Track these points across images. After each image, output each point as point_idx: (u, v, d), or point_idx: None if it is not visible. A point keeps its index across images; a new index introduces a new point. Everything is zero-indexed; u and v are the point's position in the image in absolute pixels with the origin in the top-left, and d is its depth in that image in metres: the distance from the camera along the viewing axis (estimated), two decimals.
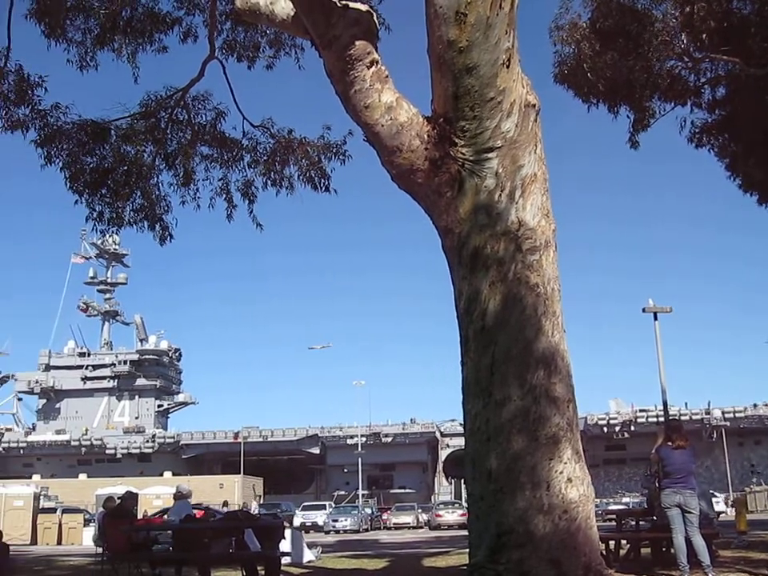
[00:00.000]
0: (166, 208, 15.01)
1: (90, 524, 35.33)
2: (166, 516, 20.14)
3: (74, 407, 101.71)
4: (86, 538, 33.79)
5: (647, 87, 16.23)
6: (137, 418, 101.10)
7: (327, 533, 43.56)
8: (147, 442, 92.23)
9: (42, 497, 46.72)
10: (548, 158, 8.66)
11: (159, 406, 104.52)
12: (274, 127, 15.03)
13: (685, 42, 15.81)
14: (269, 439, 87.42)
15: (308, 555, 18.26)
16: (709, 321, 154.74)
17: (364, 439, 79.60)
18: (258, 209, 15.29)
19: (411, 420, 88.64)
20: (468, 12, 7.86)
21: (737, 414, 78.65)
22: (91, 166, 14.33)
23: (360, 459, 72.95)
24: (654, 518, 12.16)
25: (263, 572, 12.30)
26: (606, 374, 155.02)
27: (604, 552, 10.14)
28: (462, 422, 8.48)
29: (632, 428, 79.61)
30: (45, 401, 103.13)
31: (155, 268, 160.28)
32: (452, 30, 7.93)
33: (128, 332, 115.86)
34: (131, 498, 14.86)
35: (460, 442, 75.62)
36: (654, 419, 71.83)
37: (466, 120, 8.17)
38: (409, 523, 49.23)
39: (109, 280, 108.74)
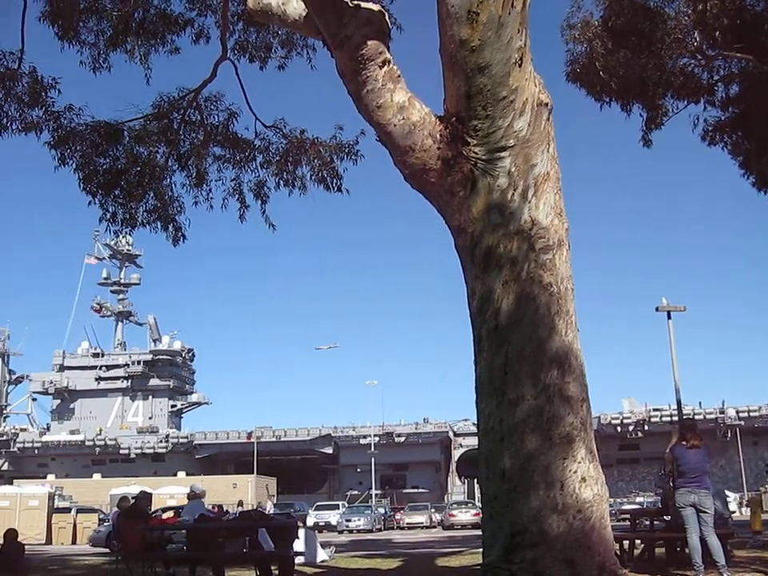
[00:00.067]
0: (178, 209, 15.07)
1: (104, 523, 35.44)
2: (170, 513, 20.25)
3: (88, 407, 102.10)
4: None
5: (660, 85, 16.17)
6: (150, 418, 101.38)
7: (340, 532, 43.58)
8: (161, 442, 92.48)
9: (56, 497, 46.88)
10: (561, 157, 8.65)
11: (173, 406, 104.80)
12: (287, 127, 15.06)
13: (698, 39, 15.74)
14: (282, 439, 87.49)
15: (321, 555, 18.27)
16: (723, 321, 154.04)
17: (377, 439, 79.51)
18: (270, 209, 15.35)
19: (424, 420, 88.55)
20: (480, 11, 7.85)
21: (751, 414, 78.20)
22: (104, 167, 14.39)
23: (373, 459, 72.93)
24: (669, 517, 12.12)
25: (277, 571, 12.32)
26: (620, 374, 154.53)
27: (618, 552, 10.10)
28: (475, 422, 8.47)
29: (645, 427, 79.29)
30: (59, 401, 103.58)
31: (167, 268, 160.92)
32: (464, 29, 7.92)
33: (141, 332, 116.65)
34: (145, 498, 14.92)
35: (473, 441, 75.82)
36: (668, 418, 71.55)
37: (478, 119, 8.16)
38: (422, 523, 49.16)
39: (122, 281, 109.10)
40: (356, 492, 78.38)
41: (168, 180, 15.02)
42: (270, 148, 15.21)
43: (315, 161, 14.80)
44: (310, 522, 45.39)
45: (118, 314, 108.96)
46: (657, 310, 32.78)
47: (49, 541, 38.76)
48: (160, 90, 14.48)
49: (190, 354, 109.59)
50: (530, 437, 7.65)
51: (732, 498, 41.78)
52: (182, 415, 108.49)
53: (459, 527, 42.94)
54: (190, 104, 14.68)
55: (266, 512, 32.76)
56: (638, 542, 12.75)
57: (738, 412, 78.25)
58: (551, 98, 8.54)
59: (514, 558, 7.52)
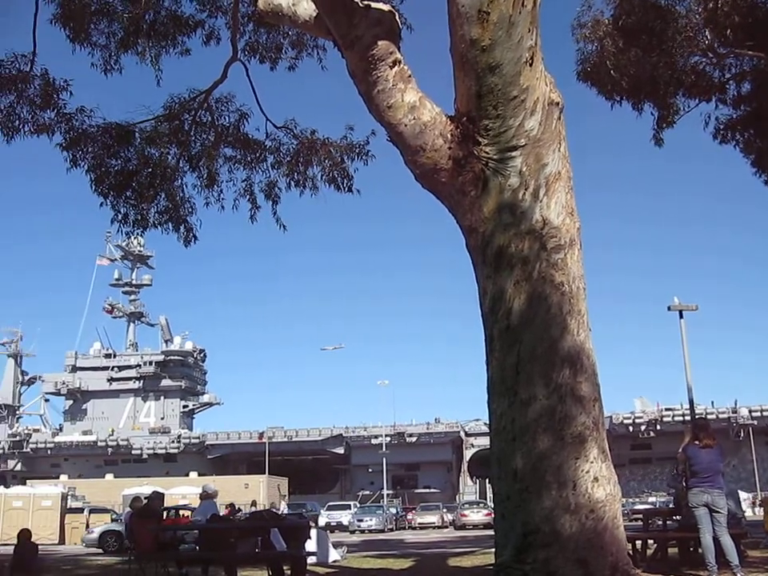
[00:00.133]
0: (190, 209, 15.09)
1: (116, 523, 35.59)
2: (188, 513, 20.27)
3: (101, 408, 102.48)
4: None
5: (671, 84, 16.13)
6: (162, 418, 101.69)
7: (352, 532, 43.61)
8: (173, 442, 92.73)
9: (69, 497, 47.07)
10: (572, 157, 8.63)
11: (184, 407, 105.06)
12: (297, 128, 15.07)
13: (709, 37, 15.70)
14: (293, 439, 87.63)
15: (333, 555, 18.30)
16: (735, 321, 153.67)
17: (388, 439, 79.50)
18: (281, 209, 15.37)
19: (435, 420, 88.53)
20: (491, 10, 7.84)
21: (764, 413, 77.75)
22: (116, 168, 14.43)
23: (384, 459, 72.90)
24: (681, 517, 12.08)
25: (289, 572, 12.33)
26: (632, 373, 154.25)
27: (631, 552, 10.08)
28: (487, 422, 8.46)
29: (658, 427, 79.02)
30: (71, 402, 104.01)
31: (179, 269, 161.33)
32: (475, 29, 7.91)
33: (153, 333, 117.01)
34: (158, 498, 14.95)
35: (484, 441, 75.69)
36: (680, 418, 71.37)
37: (489, 119, 8.15)
38: (434, 523, 49.14)
39: (134, 282, 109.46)
40: (367, 492, 78.49)
41: (179, 181, 15.06)
42: (280, 149, 15.23)
43: (326, 161, 14.80)
44: (321, 522, 45.43)
45: (130, 314, 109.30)
46: (669, 309, 32.72)
47: (62, 541, 38.96)
48: (171, 91, 14.53)
49: (202, 355, 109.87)
50: (542, 437, 7.64)
51: (745, 498, 41.60)
52: (194, 416, 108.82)
53: (471, 527, 42.91)
54: (200, 105, 14.71)
55: (280, 512, 32.83)
56: (650, 541, 12.71)
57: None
58: (562, 97, 8.52)
59: (527, 558, 7.51)
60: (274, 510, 27.12)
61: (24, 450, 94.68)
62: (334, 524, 46.48)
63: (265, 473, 69.67)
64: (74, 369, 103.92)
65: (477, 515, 44.88)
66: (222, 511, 18.82)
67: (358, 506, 54.49)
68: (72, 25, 13.38)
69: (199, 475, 71.72)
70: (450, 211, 8.92)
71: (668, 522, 13.41)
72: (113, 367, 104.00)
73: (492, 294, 8.23)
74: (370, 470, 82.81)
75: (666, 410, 79.43)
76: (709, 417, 63.38)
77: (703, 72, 16.51)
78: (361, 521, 45.58)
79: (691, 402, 32.78)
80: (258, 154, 15.25)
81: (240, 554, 12.58)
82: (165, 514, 18.16)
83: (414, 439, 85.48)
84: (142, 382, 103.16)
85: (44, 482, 62.58)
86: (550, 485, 7.54)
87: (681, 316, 32.37)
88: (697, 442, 10.36)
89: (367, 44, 8.39)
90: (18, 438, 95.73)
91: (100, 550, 29.16)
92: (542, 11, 8.26)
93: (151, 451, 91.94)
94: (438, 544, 27.40)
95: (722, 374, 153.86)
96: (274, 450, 79.36)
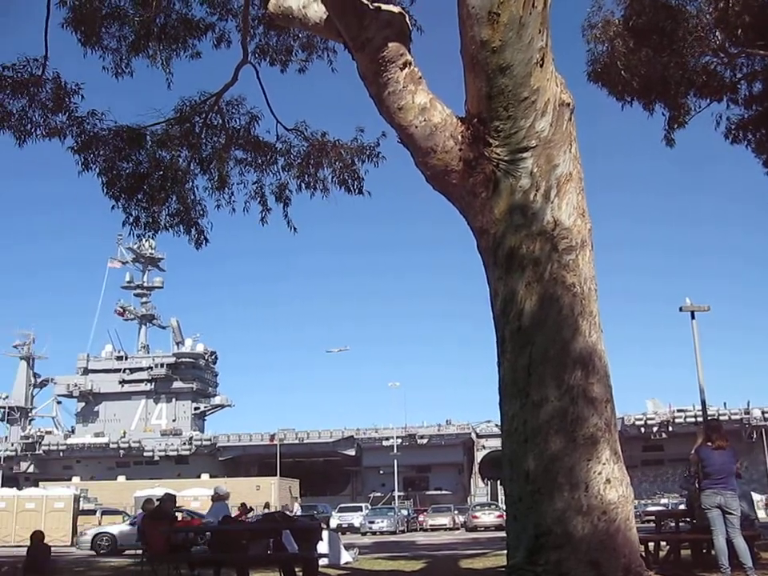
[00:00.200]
0: (201, 212, 15.11)
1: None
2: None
3: (112, 410, 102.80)
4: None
5: (682, 84, 16.08)
6: (174, 420, 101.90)
7: (364, 534, 43.60)
8: (184, 444, 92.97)
9: (81, 499, 47.29)
10: (583, 157, 8.61)
11: (196, 409, 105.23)
12: (308, 130, 15.08)
13: (720, 37, 15.65)
14: (304, 441, 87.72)
15: (345, 556, 18.32)
16: (747, 322, 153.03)
17: (399, 441, 79.51)
18: (291, 211, 15.38)
19: (447, 421, 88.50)
20: (501, 12, 7.83)
21: None
22: (127, 171, 14.46)
23: (396, 461, 72.88)
24: (694, 519, 12.04)
25: (301, 573, 12.36)
26: (643, 374, 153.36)
27: (643, 554, 10.05)
28: (498, 423, 8.45)
29: (670, 428, 78.79)
30: (83, 404, 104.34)
31: (190, 271, 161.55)
32: (485, 30, 7.90)
33: (164, 335, 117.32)
34: (170, 500, 14.99)
35: (496, 443, 75.63)
36: (692, 419, 71.10)
37: (500, 120, 8.14)
38: (445, 525, 49.08)
39: (145, 284, 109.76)
40: (379, 494, 78.48)
41: (190, 184, 15.08)
42: (291, 151, 15.25)
43: (336, 163, 14.81)
44: (333, 523, 45.46)
45: (141, 317, 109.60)
46: (680, 309, 32.60)
47: (74, 543, 39.07)
48: (182, 94, 14.56)
49: (213, 357, 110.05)
50: (554, 438, 7.62)
51: (758, 499, 41.42)
52: (205, 417, 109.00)
53: (482, 529, 42.86)
54: (211, 108, 14.74)
55: (293, 513, 32.91)
56: (663, 543, 12.68)
57: (763, 413, 77.51)
58: (573, 97, 8.50)
59: (539, 560, 7.49)
60: (287, 512, 27.17)
61: (36, 451, 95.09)
62: (346, 526, 46.48)
63: (276, 475, 69.78)
64: (86, 371, 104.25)
65: (488, 517, 44.82)
66: (234, 512, 18.85)
67: (370, 507, 54.45)
68: (83, 28, 13.43)
69: (210, 477, 71.99)
70: (460, 213, 8.91)
71: (681, 524, 13.39)
72: (124, 369, 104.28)
73: (503, 295, 8.22)
74: (381, 472, 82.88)
75: (678, 411, 79.13)
76: (721, 418, 63.16)
77: (714, 72, 16.45)
78: (372, 522, 45.55)
79: (703, 404, 32.65)
80: (268, 157, 15.27)
81: (252, 556, 12.59)
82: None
83: (425, 441, 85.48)
84: (153, 384, 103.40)
85: (56, 483, 62.92)
86: (562, 486, 7.52)
87: (693, 317, 32.24)
88: (709, 444, 10.33)
89: (377, 46, 8.39)
90: (30, 440, 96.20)
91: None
92: (553, 12, 8.25)
93: (163, 453, 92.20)
94: (449, 546, 27.39)
95: (735, 375, 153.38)
96: (286, 451, 79.45)
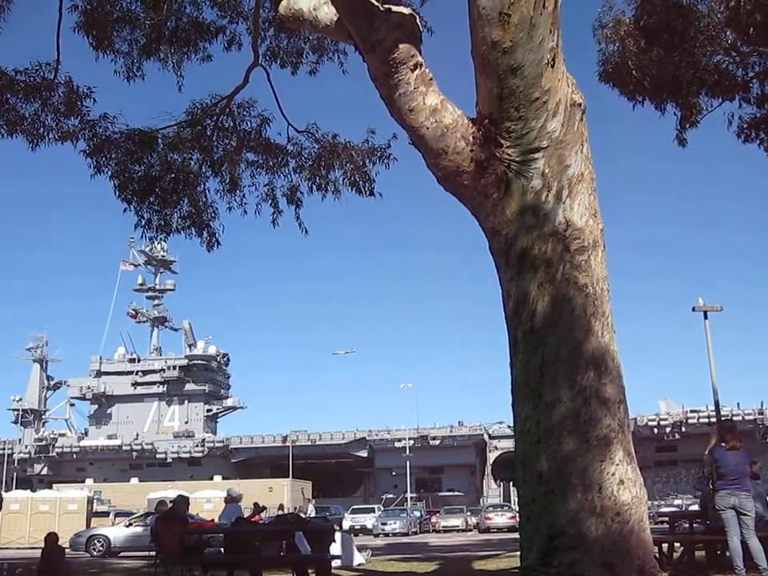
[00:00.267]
0: (212, 214, 15.15)
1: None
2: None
3: (125, 412, 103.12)
4: None
5: (694, 83, 16.03)
6: (186, 422, 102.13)
7: (376, 536, 43.61)
8: (197, 446, 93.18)
9: (95, 501, 47.49)
10: (594, 158, 8.59)
11: (208, 411, 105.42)
12: (319, 132, 15.11)
13: (731, 36, 15.59)
14: (317, 443, 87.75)
15: (358, 558, 18.32)
16: (761, 323, 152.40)
17: (412, 442, 79.54)
18: (302, 213, 15.40)
19: (459, 422, 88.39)
20: (511, 12, 7.82)
21: None
22: (139, 174, 14.52)
23: (408, 462, 72.91)
24: (708, 520, 11.99)
25: (314, 575, 12.36)
26: (656, 375, 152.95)
27: (657, 555, 10.02)
28: (510, 424, 8.45)
29: (683, 429, 78.50)
30: (96, 406, 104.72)
31: (202, 273, 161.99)
32: (496, 31, 7.89)
33: (177, 338, 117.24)
34: (183, 502, 15.01)
35: (508, 444, 75.55)
36: (706, 420, 70.71)
37: (511, 121, 8.13)
38: (458, 526, 49.07)
39: (157, 286, 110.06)
40: (391, 495, 78.41)
41: (202, 186, 15.13)
42: (302, 153, 15.28)
43: (348, 165, 14.83)
44: (345, 525, 45.49)
45: (154, 319, 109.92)
46: (693, 310, 32.54)
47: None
48: (193, 97, 14.63)
49: (225, 359, 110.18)
50: (567, 439, 7.60)
51: None
52: (218, 419, 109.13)
53: (495, 530, 42.83)
54: (222, 110, 14.79)
55: (307, 515, 32.93)
56: (677, 545, 12.63)
57: None
58: (584, 98, 8.48)
59: (552, 561, 7.47)
60: (302, 513, 27.19)
61: (50, 454, 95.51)
62: (358, 527, 46.52)
63: (289, 476, 69.86)
64: (99, 373, 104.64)
65: (501, 518, 44.75)
66: (247, 513, 18.88)
67: (382, 509, 54.47)
68: (95, 33, 13.49)
69: (223, 479, 72.10)
70: (472, 214, 8.90)
71: (694, 525, 13.32)
72: (137, 372, 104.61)
73: (515, 296, 8.20)
74: (393, 473, 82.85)
75: (692, 411, 78.78)
76: (735, 418, 62.97)
77: (726, 71, 16.39)
78: (385, 524, 45.55)
79: (717, 404, 32.51)
80: (279, 159, 15.30)
81: (265, 558, 12.61)
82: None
83: (437, 442, 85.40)
84: (166, 386, 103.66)
85: (70, 485, 63.17)
86: (575, 487, 7.50)
87: (705, 317, 32.16)
88: (723, 444, 10.29)
89: (388, 47, 8.38)
90: (44, 443, 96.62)
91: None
92: (563, 12, 8.24)
93: (175, 455, 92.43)
94: (462, 547, 27.37)
95: (748, 376, 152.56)
96: (298, 453, 79.59)
